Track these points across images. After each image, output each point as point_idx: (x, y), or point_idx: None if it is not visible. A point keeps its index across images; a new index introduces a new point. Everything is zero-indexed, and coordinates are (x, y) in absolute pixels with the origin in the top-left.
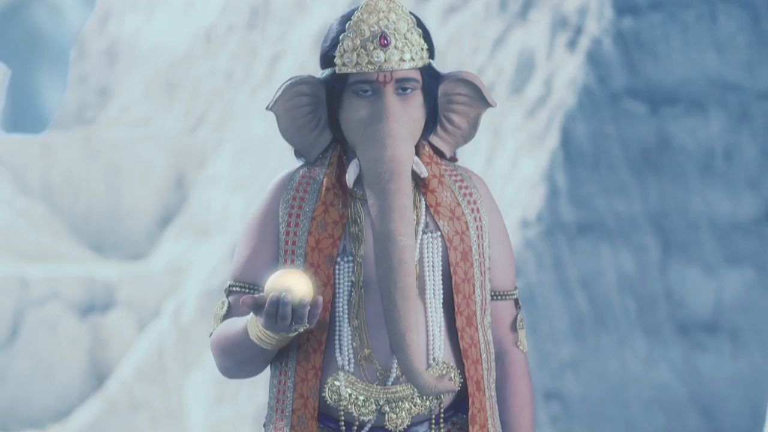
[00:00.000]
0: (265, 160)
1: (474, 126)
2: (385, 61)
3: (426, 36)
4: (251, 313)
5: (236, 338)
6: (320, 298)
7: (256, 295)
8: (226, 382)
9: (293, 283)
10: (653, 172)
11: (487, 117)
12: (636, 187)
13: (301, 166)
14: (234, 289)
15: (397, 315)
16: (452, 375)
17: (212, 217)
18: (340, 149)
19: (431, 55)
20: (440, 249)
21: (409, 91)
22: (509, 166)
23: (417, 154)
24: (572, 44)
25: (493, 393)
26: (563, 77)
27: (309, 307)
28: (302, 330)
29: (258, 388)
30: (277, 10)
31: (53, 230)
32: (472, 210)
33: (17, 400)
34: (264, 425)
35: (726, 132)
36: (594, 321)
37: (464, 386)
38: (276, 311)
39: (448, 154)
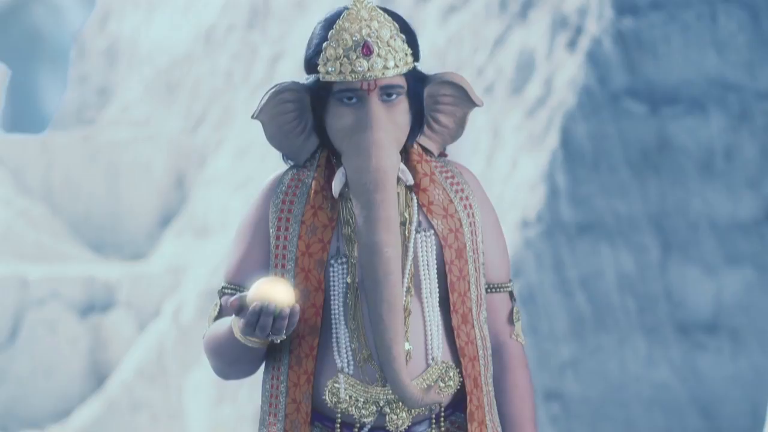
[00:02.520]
0: (265, 160)
1: (461, 125)
2: (369, 69)
3: (410, 40)
4: None
5: (223, 338)
6: (297, 307)
7: (241, 296)
8: (226, 382)
9: (276, 293)
10: (653, 172)
11: (486, 117)
12: (636, 187)
13: (290, 168)
14: (226, 291)
15: (383, 327)
16: (439, 388)
17: (212, 217)
18: (328, 151)
19: (416, 58)
20: (434, 247)
21: (394, 97)
22: (509, 166)
23: (406, 155)
24: (572, 44)
25: (491, 388)
26: (563, 77)
27: (287, 319)
28: (278, 341)
29: (258, 388)
30: (277, 10)
31: (53, 230)
32: (465, 206)
33: (17, 400)
34: (258, 429)
35: (726, 132)
36: (594, 321)
37: (463, 384)
38: (257, 321)
39: (435, 153)
